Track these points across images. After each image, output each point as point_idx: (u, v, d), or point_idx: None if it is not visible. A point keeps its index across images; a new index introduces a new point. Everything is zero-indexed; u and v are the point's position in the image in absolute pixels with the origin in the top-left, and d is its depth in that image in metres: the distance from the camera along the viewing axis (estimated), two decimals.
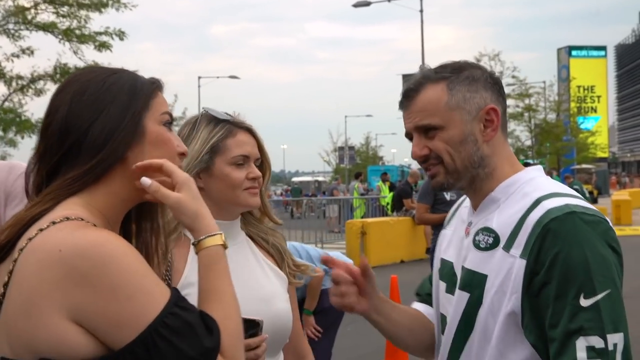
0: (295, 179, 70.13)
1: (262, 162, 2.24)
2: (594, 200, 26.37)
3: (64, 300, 1.25)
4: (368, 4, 29.11)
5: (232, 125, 2.16)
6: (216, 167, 2.12)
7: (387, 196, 21.17)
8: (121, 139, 1.41)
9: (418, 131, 1.82)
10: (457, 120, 1.78)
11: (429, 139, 1.80)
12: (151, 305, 1.28)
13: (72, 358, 1.27)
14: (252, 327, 1.84)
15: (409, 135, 1.87)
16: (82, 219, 1.35)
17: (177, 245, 2.10)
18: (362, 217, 20.05)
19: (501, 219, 1.75)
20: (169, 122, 1.51)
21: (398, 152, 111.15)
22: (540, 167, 1.90)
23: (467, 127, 1.78)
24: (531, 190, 1.74)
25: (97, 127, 1.40)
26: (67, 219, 1.33)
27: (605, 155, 75.68)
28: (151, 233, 1.58)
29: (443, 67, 1.83)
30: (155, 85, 1.52)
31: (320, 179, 64.83)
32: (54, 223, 1.32)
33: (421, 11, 30.02)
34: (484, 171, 1.80)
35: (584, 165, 43.57)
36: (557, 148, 41.50)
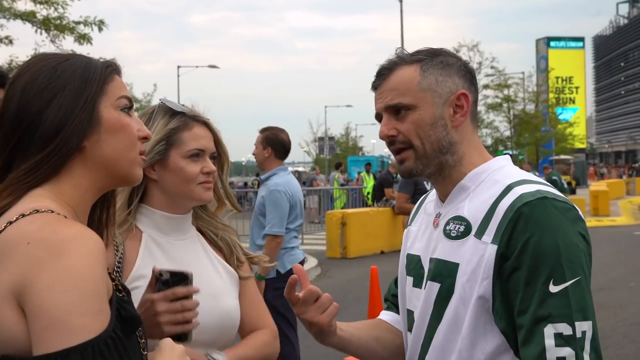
0: None
1: (220, 155, 2.22)
2: (572, 191, 26.54)
3: (15, 284, 1.21)
4: None
5: (188, 118, 2.14)
6: (171, 159, 2.10)
7: (368, 186, 21.22)
8: (74, 128, 1.35)
9: (388, 111, 1.81)
10: (428, 101, 1.77)
11: (399, 120, 1.79)
12: (81, 313, 1.19)
13: (19, 353, 1.22)
14: (180, 279, 1.79)
15: (378, 117, 1.85)
16: (52, 211, 1.30)
17: (128, 237, 2.09)
18: (342, 208, 20.08)
19: (472, 206, 1.74)
20: (128, 106, 1.46)
21: (378, 142, 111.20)
22: (508, 156, 1.90)
23: (437, 110, 1.77)
24: (501, 178, 1.74)
25: (48, 116, 1.35)
26: (37, 211, 1.29)
27: (584, 146, 76.27)
28: (106, 223, 1.54)
29: (418, 52, 1.85)
30: (110, 69, 1.45)
31: (300, 169, 64.84)
32: (23, 215, 1.28)
33: (400, 1, 30.05)
34: (452, 158, 1.79)
35: (562, 156, 43.85)
36: (536, 139, 41.76)
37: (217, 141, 2.20)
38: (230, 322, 2.13)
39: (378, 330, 2.08)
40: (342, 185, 25.57)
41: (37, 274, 1.20)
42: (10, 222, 1.28)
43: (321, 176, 28.88)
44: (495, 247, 1.63)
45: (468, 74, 1.84)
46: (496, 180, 1.74)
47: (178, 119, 2.12)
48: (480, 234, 1.67)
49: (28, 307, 1.20)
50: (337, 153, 59.88)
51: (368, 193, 20.29)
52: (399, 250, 2.13)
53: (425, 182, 7.26)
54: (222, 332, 2.11)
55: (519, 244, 1.59)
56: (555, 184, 21.82)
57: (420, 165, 1.80)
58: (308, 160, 73.19)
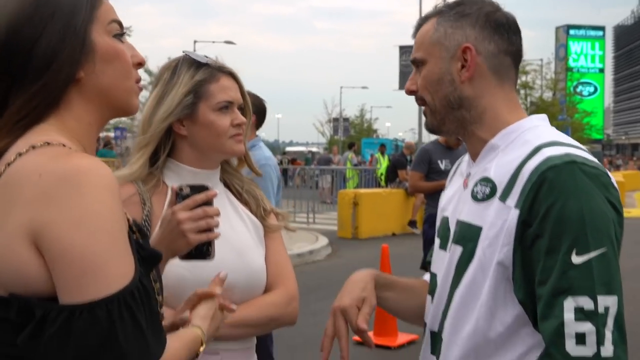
0: (288, 149, 70.08)
1: (244, 108, 2.16)
2: None
3: (30, 221, 1.14)
4: None
5: (214, 70, 2.09)
6: (200, 113, 2.05)
7: (381, 167, 21.17)
8: (66, 57, 1.27)
9: (414, 65, 1.77)
10: (435, 55, 1.71)
11: (420, 75, 1.75)
12: (115, 257, 1.16)
13: (36, 294, 1.16)
14: (200, 191, 1.78)
15: None
16: (64, 145, 1.24)
17: (155, 192, 2.07)
18: (355, 188, 20.06)
19: (499, 167, 1.64)
20: (120, 31, 1.37)
21: (392, 126, 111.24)
22: (545, 116, 1.79)
23: (444, 65, 1.70)
24: (532, 138, 1.63)
25: (40, 46, 1.26)
26: (48, 144, 1.23)
27: (601, 137, 75.72)
28: None
29: (450, 2, 1.76)
30: None
31: (314, 149, 64.76)
32: (33, 147, 1.22)
33: None
34: (470, 114, 1.70)
35: None
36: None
37: (242, 93, 2.15)
38: (257, 281, 2.10)
39: (423, 287, 1.96)
40: (355, 165, 25.50)
41: (57, 212, 1.13)
42: (20, 154, 1.21)
43: (338, 156, 28.64)
44: (517, 212, 1.52)
45: (489, 22, 1.70)
46: (526, 140, 1.62)
47: (204, 71, 2.07)
48: (504, 197, 1.57)
49: (52, 248, 1.14)
50: (351, 135, 59.76)
51: (381, 174, 20.25)
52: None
53: (439, 161, 7.18)
54: (249, 291, 2.08)
55: (542, 210, 1.48)
56: None
57: (434, 120, 1.75)
58: (322, 141, 73.12)
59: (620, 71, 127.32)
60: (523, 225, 1.52)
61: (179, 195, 1.79)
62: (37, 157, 1.20)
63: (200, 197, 1.76)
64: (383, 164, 21.01)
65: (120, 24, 1.37)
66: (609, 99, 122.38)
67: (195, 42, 41.66)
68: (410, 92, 1.77)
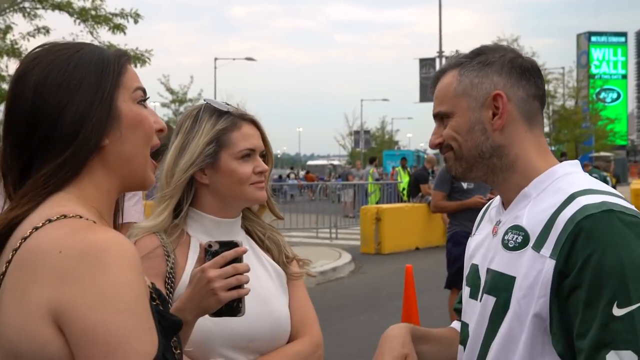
0: (310, 162, 70.20)
1: (266, 155, 2.16)
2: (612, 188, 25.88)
3: (50, 300, 1.12)
4: None
5: (236, 117, 2.08)
6: (222, 161, 2.05)
7: (403, 181, 21.08)
8: (94, 126, 1.25)
9: (436, 119, 1.76)
10: (463, 107, 1.69)
11: (444, 127, 1.73)
12: (138, 335, 1.12)
13: None
14: (230, 247, 1.75)
15: None
16: (81, 217, 1.21)
17: (179, 243, 2.05)
18: (377, 203, 19.96)
19: (531, 215, 1.60)
20: (144, 98, 1.36)
21: (414, 136, 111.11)
22: (577, 162, 1.76)
23: (474, 115, 1.68)
24: (566, 186, 1.59)
25: (66, 115, 1.24)
26: (65, 216, 1.20)
27: (625, 143, 75.03)
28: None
29: (467, 53, 1.75)
30: (124, 58, 1.35)
31: (336, 162, 64.83)
32: (50, 221, 1.19)
33: None
34: (502, 162, 1.68)
35: (602, 153, 43.14)
36: (576, 135, 41.22)
37: (264, 140, 2.15)
38: (281, 329, 2.08)
39: (455, 338, 1.92)
40: (376, 179, 25.41)
41: (78, 290, 1.11)
42: (37, 228, 1.18)
43: (361, 171, 28.43)
44: (553, 262, 1.49)
45: (515, 69, 1.69)
46: (559, 188, 1.60)
47: (225, 119, 2.07)
48: (538, 246, 1.53)
49: (74, 327, 1.11)
50: (372, 147, 59.73)
51: (403, 189, 20.15)
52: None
53: (461, 182, 7.06)
54: (273, 340, 2.06)
55: (579, 260, 1.44)
56: None
57: (459, 167, 1.72)
58: (343, 154, 73.17)
59: None
60: (560, 275, 1.48)
61: (208, 252, 1.76)
62: (54, 232, 1.17)
63: (230, 254, 1.73)
64: (404, 178, 20.92)
65: (144, 90, 1.36)
66: (632, 104, 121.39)
67: (216, 59, 42.00)
68: (435, 146, 1.76)
